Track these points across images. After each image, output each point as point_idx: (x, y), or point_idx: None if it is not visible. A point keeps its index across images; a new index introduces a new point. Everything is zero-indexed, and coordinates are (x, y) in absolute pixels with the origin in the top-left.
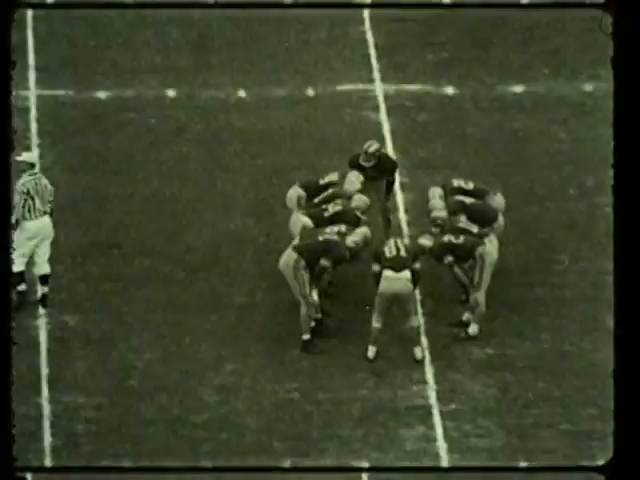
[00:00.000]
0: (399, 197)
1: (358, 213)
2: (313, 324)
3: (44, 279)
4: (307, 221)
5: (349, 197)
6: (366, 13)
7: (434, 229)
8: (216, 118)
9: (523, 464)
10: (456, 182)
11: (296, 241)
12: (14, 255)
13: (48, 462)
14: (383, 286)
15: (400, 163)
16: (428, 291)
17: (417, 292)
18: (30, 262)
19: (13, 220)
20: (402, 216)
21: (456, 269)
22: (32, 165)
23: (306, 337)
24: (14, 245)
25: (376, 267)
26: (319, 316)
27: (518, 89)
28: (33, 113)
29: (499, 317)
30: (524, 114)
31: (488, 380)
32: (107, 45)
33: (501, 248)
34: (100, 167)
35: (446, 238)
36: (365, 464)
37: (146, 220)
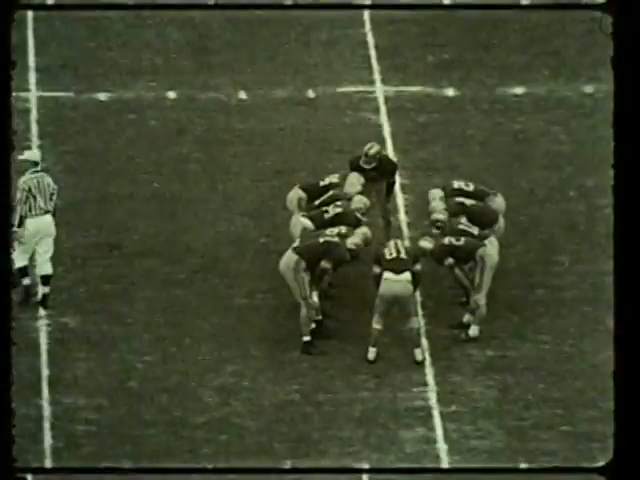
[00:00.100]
0: (399, 199)
1: (358, 215)
2: (313, 326)
3: (45, 279)
4: (307, 223)
5: (349, 199)
6: (366, 15)
7: (434, 231)
8: (216, 119)
9: (523, 466)
10: (456, 184)
11: (296, 243)
12: (17, 251)
13: (48, 463)
14: (383, 288)
15: (400, 165)
16: (428, 293)
17: (417, 294)
18: (31, 262)
19: (17, 217)
20: (402, 218)
21: (457, 271)
22: (35, 163)
23: (306, 338)
24: (20, 241)
25: (376, 269)
26: (319, 318)
27: (518, 90)
28: (34, 114)
29: (499, 318)
30: (524, 115)
31: (488, 382)
32: (107, 46)
33: (501, 250)
34: (100, 168)
35: (446, 240)
36: (365, 465)
37: (146, 221)
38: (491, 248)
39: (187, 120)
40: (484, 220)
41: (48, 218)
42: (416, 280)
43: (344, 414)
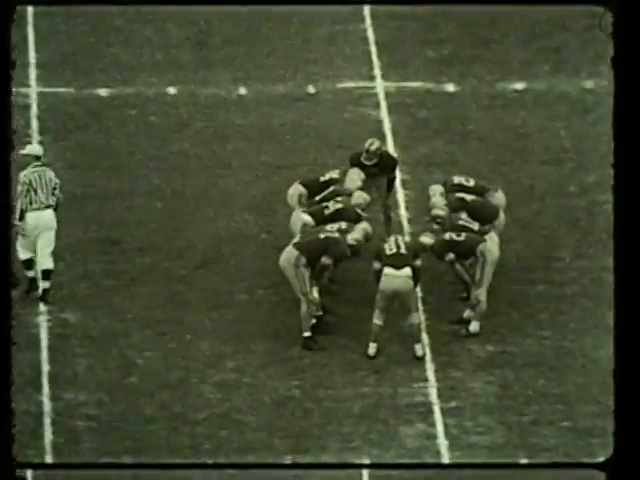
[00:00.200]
0: (400, 194)
1: (359, 210)
2: (314, 321)
3: (45, 274)
4: (308, 219)
5: (350, 194)
6: (367, 10)
7: (435, 226)
8: (217, 115)
9: (524, 461)
10: (457, 179)
11: (297, 238)
12: (20, 244)
13: (49, 459)
14: (384, 283)
15: (401, 160)
16: (429, 288)
17: (418, 289)
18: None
19: (17, 211)
20: (403, 213)
21: (457, 266)
22: (37, 158)
23: (307, 334)
24: (22, 234)
25: (377, 264)
26: (320, 313)
27: (519, 86)
28: (34, 110)
29: (500, 314)
30: (525, 111)
31: (489, 377)
32: (108, 42)
33: (502, 245)
34: (101, 164)
35: (447, 235)
36: (366, 461)
37: (147, 217)
38: (491, 244)
39: (187, 115)
40: (484, 216)
41: (49, 212)
42: (416, 276)
43: (344, 410)
